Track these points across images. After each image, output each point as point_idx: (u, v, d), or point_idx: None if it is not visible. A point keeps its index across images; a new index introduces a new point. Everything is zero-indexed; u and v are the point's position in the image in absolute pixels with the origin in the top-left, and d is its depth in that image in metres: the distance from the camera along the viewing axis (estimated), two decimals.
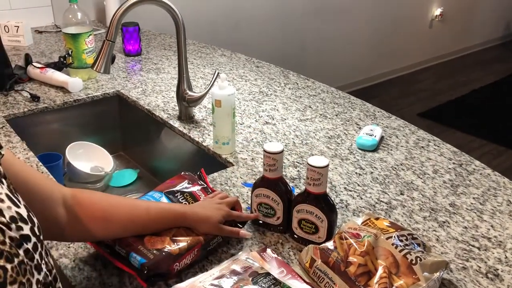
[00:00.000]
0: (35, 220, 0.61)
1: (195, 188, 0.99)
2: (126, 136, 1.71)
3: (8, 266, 0.53)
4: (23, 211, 0.59)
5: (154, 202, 0.92)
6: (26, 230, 0.58)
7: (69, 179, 1.45)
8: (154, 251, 0.81)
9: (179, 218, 0.86)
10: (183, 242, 0.83)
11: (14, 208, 0.58)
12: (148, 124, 1.53)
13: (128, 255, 0.81)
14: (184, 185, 0.99)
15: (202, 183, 1.02)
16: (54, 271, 0.64)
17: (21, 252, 0.56)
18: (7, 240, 0.54)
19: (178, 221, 0.86)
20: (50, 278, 0.61)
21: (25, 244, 0.57)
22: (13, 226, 0.56)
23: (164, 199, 0.94)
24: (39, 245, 0.59)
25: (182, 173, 1.04)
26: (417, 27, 4.51)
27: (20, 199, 0.61)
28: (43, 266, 0.60)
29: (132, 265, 0.81)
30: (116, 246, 0.83)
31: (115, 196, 0.88)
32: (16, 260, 0.54)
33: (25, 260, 0.56)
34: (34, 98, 1.52)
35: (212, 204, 0.93)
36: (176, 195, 0.96)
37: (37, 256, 0.59)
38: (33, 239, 0.58)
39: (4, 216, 0.56)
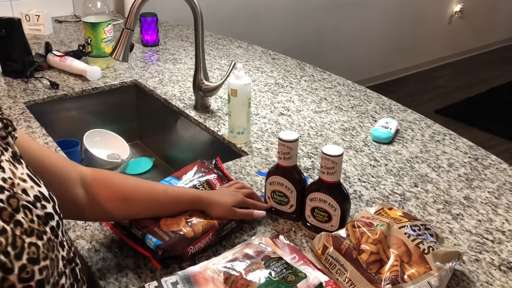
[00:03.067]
0: (55, 198, 0.62)
1: (211, 176, 1.00)
2: (143, 125, 1.73)
3: (40, 243, 0.55)
4: (44, 190, 0.61)
5: (171, 185, 0.93)
6: (49, 208, 0.60)
7: (87, 166, 1.47)
8: (170, 233, 0.82)
9: (195, 200, 0.88)
10: (198, 226, 0.85)
11: (36, 188, 0.60)
12: (164, 113, 1.55)
13: (144, 236, 0.83)
14: (200, 173, 1.00)
15: (218, 171, 1.03)
16: (73, 248, 0.66)
17: (47, 229, 0.58)
18: (35, 218, 0.56)
19: (193, 204, 0.88)
20: (71, 254, 0.64)
21: (50, 222, 0.59)
22: (38, 205, 0.58)
23: (181, 184, 0.96)
24: (60, 223, 0.62)
25: (199, 160, 1.06)
26: (436, 23, 4.45)
27: (39, 178, 0.63)
28: (65, 243, 0.62)
29: (148, 247, 0.82)
30: (132, 228, 0.85)
31: (134, 177, 0.90)
32: (45, 237, 0.56)
33: (52, 237, 0.58)
34: (53, 85, 1.55)
35: (227, 191, 0.94)
36: (192, 181, 0.97)
37: (60, 234, 0.61)
38: (56, 217, 0.60)
39: (28, 195, 0.58)
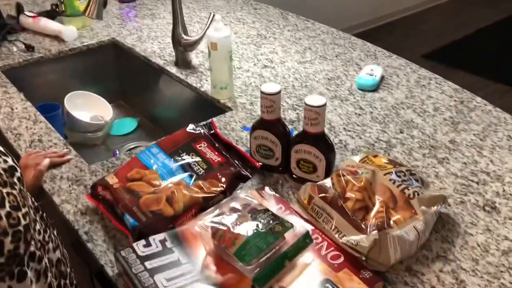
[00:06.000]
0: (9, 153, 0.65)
1: (201, 145, 0.94)
2: (125, 85, 1.70)
3: (15, 192, 0.59)
4: None
5: None
6: (10, 161, 0.63)
7: (69, 129, 1.45)
8: (148, 214, 0.80)
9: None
10: (179, 204, 0.82)
11: None
12: (145, 72, 1.51)
13: (123, 216, 0.81)
14: (189, 147, 0.94)
15: (210, 135, 0.97)
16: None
17: (15, 180, 0.62)
18: (2, 172, 0.59)
19: None
20: (36, 203, 0.69)
21: (15, 173, 0.63)
22: (0, 159, 0.61)
23: (170, 162, 0.91)
24: (22, 174, 0.65)
25: (188, 128, 0.98)
26: None
27: None
28: (28, 194, 0.67)
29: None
30: (115, 206, 0.83)
31: None
32: (16, 188, 0.60)
33: (21, 187, 0.62)
34: (29, 48, 1.50)
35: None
36: (181, 155, 0.92)
37: (23, 184, 0.65)
38: (18, 169, 0.64)
39: None
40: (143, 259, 0.73)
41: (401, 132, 1.10)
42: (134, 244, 0.76)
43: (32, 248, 0.62)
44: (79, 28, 1.63)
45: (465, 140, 1.07)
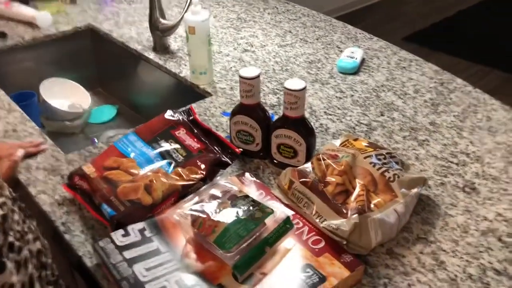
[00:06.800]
0: None
1: (180, 132, 0.92)
2: (103, 72, 1.66)
3: None
4: None
5: None
6: None
7: (46, 118, 1.42)
8: (126, 203, 0.79)
9: None
10: (157, 192, 0.80)
11: None
12: (123, 58, 1.48)
13: (100, 205, 0.80)
14: (167, 129, 0.92)
15: (188, 121, 0.95)
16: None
17: None
18: None
19: None
20: (13, 194, 0.68)
21: None
22: None
23: (148, 150, 0.89)
24: None
25: (167, 114, 0.96)
26: None
27: None
28: (4, 184, 0.66)
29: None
30: (92, 195, 0.82)
31: None
32: None
33: None
34: (1, 35, 1.45)
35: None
36: (159, 142, 0.90)
37: None
38: None
39: None
40: (121, 249, 0.72)
41: (381, 115, 1.09)
42: (112, 234, 0.74)
43: (11, 239, 0.61)
44: (53, 14, 1.59)
45: (445, 121, 1.07)
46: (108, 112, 1.55)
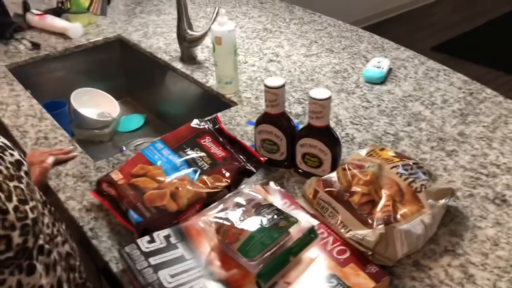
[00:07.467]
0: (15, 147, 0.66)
1: (205, 140, 0.93)
2: (131, 81, 1.69)
3: (22, 186, 0.60)
4: (4, 140, 0.64)
5: None
6: (16, 155, 0.63)
7: (76, 126, 1.45)
8: (152, 209, 0.80)
9: None
10: (183, 200, 0.81)
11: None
12: (151, 68, 1.51)
13: (127, 211, 0.81)
14: (193, 138, 0.93)
15: (214, 130, 0.96)
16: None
17: (22, 174, 0.62)
18: (9, 165, 0.60)
19: None
20: (43, 197, 0.70)
21: (22, 167, 0.63)
22: (6, 153, 0.61)
23: (175, 158, 0.90)
24: (29, 168, 0.66)
25: (193, 123, 0.97)
26: None
27: None
28: (35, 188, 0.67)
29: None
30: (119, 202, 0.83)
31: None
32: (23, 181, 0.61)
33: (28, 181, 0.62)
34: (35, 46, 1.50)
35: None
36: (185, 150, 0.91)
37: (30, 178, 0.65)
38: (25, 163, 0.64)
39: None
40: (147, 255, 0.73)
41: (408, 125, 1.08)
42: (138, 240, 0.75)
43: (41, 242, 0.63)
44: (85, 25, 1.63)
45: (474, 132, 1.05)
46: (136, 121, 1.58)
